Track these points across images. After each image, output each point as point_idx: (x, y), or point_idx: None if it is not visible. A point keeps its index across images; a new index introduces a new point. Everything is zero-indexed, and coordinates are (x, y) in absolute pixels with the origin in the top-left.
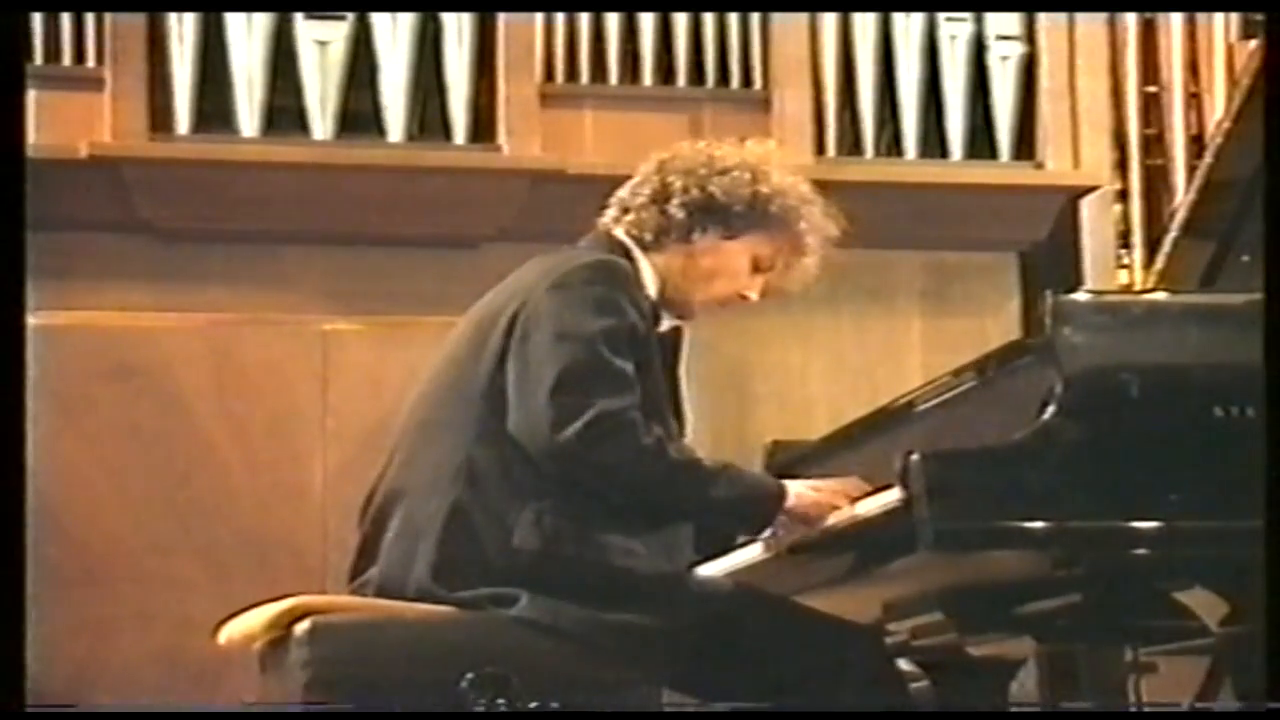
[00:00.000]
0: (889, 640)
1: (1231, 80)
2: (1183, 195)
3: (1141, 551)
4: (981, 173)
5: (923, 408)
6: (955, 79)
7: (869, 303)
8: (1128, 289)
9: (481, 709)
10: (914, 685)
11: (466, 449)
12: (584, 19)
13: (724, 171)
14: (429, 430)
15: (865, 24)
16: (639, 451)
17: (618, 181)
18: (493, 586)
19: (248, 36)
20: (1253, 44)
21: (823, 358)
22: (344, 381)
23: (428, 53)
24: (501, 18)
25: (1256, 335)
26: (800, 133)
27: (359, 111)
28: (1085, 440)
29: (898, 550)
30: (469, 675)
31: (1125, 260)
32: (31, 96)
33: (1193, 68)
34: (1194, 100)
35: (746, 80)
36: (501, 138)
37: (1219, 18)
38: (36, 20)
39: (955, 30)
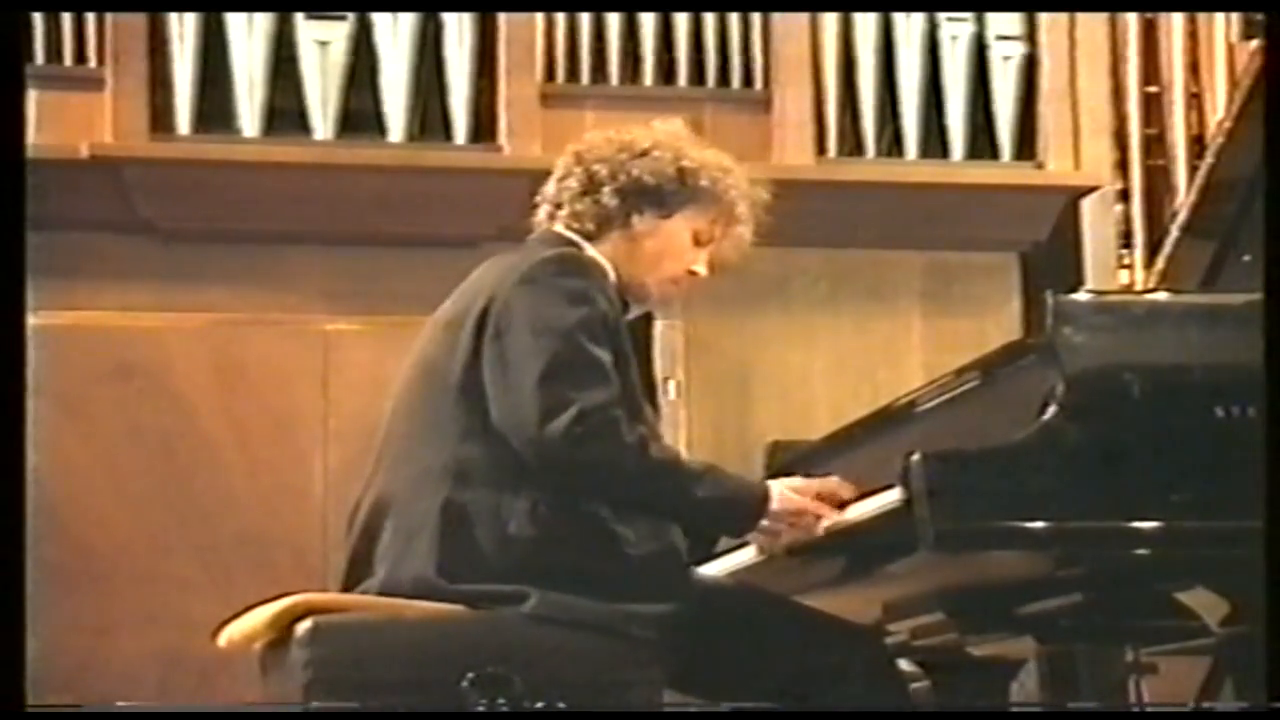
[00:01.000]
0: (890, 640)
1: (1232, 80)
2: (1184, 195)
3: (1142, 551)
4: (982, 173)
5: (923, 408)
6: (956, 79)
7: (870, 303)
8: (1129, 289)
9: (483, 709)
10: (914, 685)
11: (452, 449)
12: (585, 19)
13: (644, 153)
14: (411, 436)
15: (866, 24)
16: (622, 449)
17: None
18: (495, 580)
19: (248, 37)
20: (1254, 44)
21: (823, 358)
22: (345, 381)
23: (428, 53)
24: (502, 18)
25: (1257, 335)
26: (801, 133)
27: (360, 111)
28: (1086, 440)
29: (899, 550)
30: (470, 675)
31: (1126, 260)
32: (32, 96)
33: (1193, 68)
34: (1195, 100)
35: (747, 80)
36: (502, 138)
37: (1220, 18)
38: (37, 20)
39: (956, 30)
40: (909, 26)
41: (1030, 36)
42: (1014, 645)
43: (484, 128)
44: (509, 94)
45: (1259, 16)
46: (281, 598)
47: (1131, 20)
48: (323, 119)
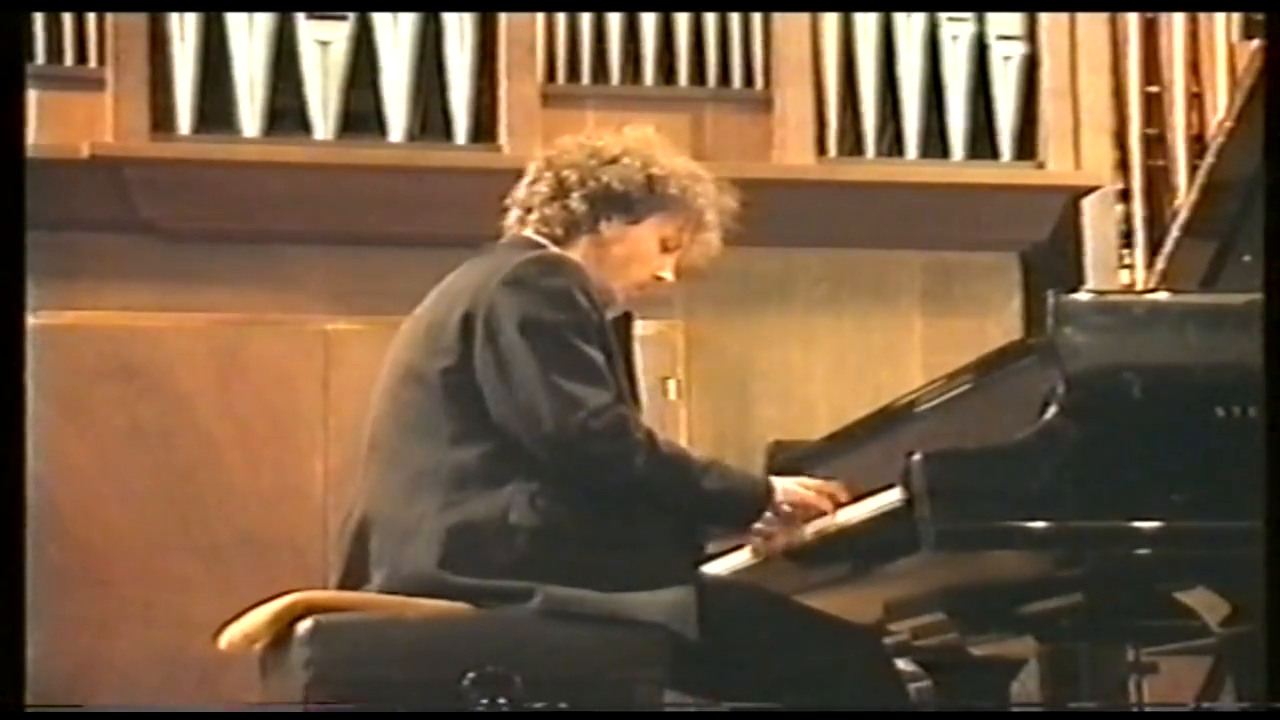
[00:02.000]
0: (890, 640)
1: (1233, 80)
2: (1184, 195)
3: (1143, 551)
4: (983, 173)
5: (924, 408)
6: (957, 79)
7: (870, 303)
8: (1129, 289)
9: (483, 708)
10: (915, 685)
11: (445, 451)
12: (585, 19)
13: (614, 160)
14: (399, 441)
15: (867, 24)
16: (634, 445)
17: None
18: (498, 574)
19: (249, 37)
20: (1254, 44)
21: (824, 358)
22: (345, 381)
23: (429, 53)
24: (503, 18)
25: (1258, 335)
26: (802, 132)
27: (360, 111)
28: (1087, 440)
29: (899, 550)
30: (471, 674)
31: (1127, 260)
32: (33, 96)
33: (1194, 67)
34: (1195, 100)
35: (748, 80)
36: (503, 138)
37: (1220, 18)
38: (38, 20)
39: (957, 30)
40: (910, 26)
41: (1031, 36)
42: (1015, 645)
43: (484, 128)
44: (510, 94)
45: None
46: (282, 596)
47: (1132, 20)
48: (323, 119)
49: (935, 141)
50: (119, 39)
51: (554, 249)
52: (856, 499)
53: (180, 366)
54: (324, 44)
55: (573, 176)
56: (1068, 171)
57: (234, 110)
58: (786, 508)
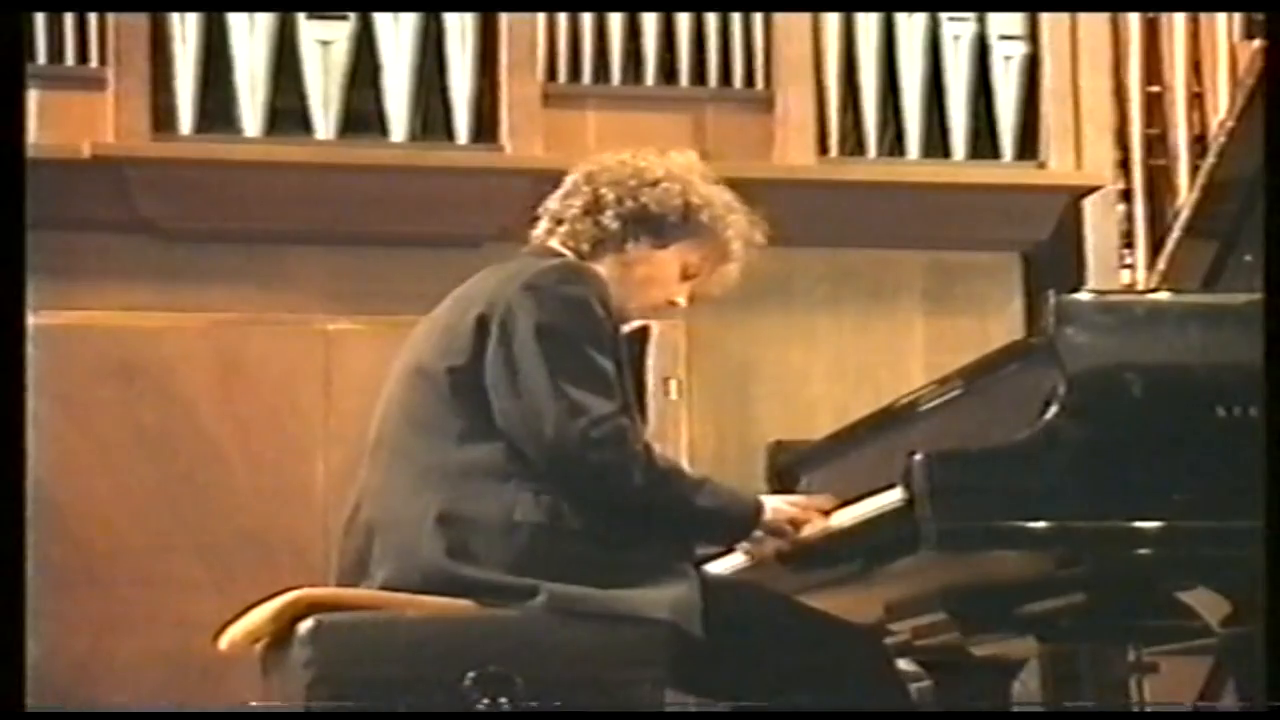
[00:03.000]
0: (891, 640)
1: (1234, 80)
2: (1186, 195)
3: (1144, 551)
4: (984, 172)
5: (925, 408)
6: (958, 79)
7: (871, 303)
8: (1130, 289)
9: (484, 708)
10: (916, 685)
11: (452, 449)
12: (587, 19)
13: (655, 183)
14: (405, 438)
15: (868, 24)
16: (632, 457)
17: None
18: (502, 569)
19: (250, 36)
20: (1255, 44)
21: (825, 358)
22: (346, 381)
23: (430, 52)
24: (504, 17)
25: (1259, 335)
26: (803, 132)
27: (361, 111)
28: (1088, 440)
29: (900, 550)
30: (471, 674)
31: (1128, 260)
32: (34, 96)
33: (1195, 67)
34: (1197, 100)
35: (749, 80)
36: (504, 137)
37: (1221, 18)
38: (39, 20)
39: (958, 30)
40: (911, 26)
41: (1032, 36)
42: (1015, 645)
43: (486, 127)
44: (511, 94)
45: (1260, 16)
46: (283, 594)
47: (1133, 20)
48: (324, 119)
49: (936, 141)
50: (120, 39)
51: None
52: (857, 499)
53: (180, 366)
54: (325, 44)
55: (610, 195)
56: (1069, 171)
57: (235, 110)
58: (775, 525)
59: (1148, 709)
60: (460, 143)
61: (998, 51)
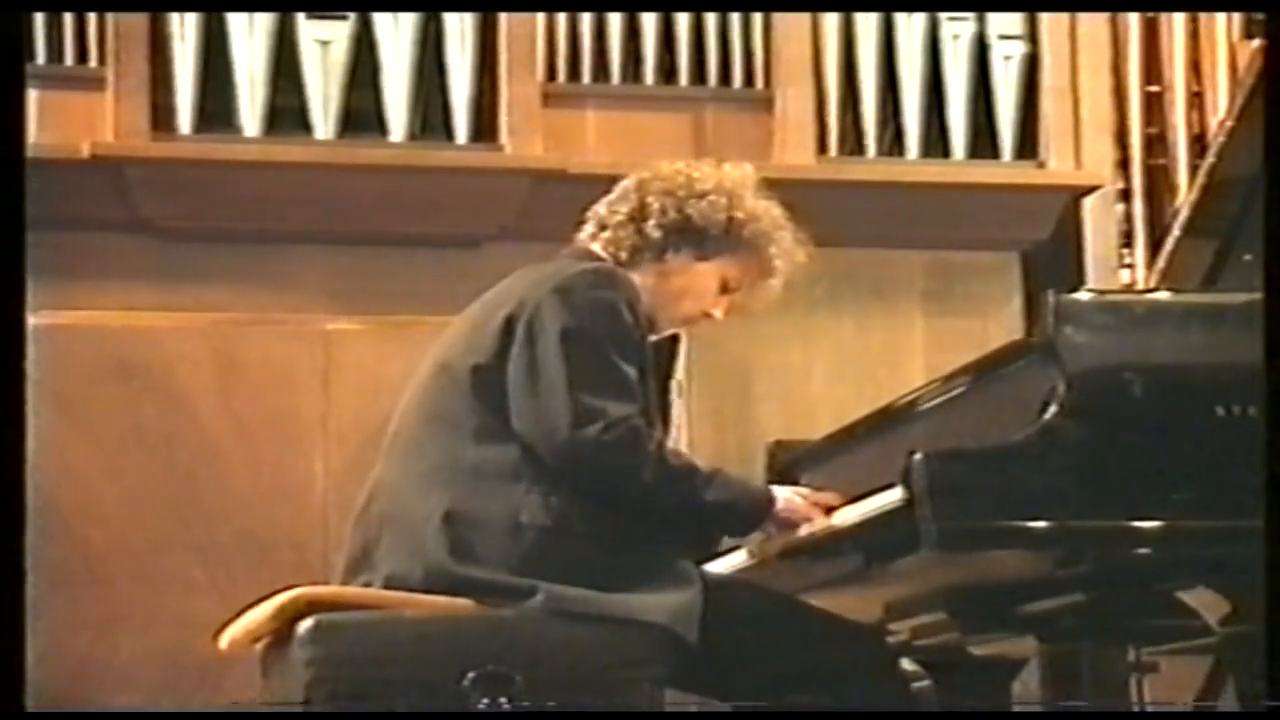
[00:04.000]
0: (891, 639)
1: (1234, 79)
2: (1185, 194)
3: (1144, 551)
4: (984, 172)
5: (925, 407)
6: (957, 78)
7: (871, 302)
8: (1130, 288)
9: (484, 708)
10: (916, 685)
11: (466, 446)
12: (586, 18)
13: (702, 195)
14: (423, 432)
15: (867, 24)
16: (644, 458)
17: (620, 182)
18: (506, 570)
19: (249, 36)
20: (1255, 43)
21: (825, 358)
22: (346, 381)
23: (430, 52)
24: (503, 17)
25: (1258, 335)
26: (802, 132)
27: (361, 111)
28: (1087, 440)
29: (900, 550)
30: (471, 674)
31: (1128, 260)
32: (34, 96)
33: (1195, 67)
34: (1196, 99)
35: (749, 80)
36: (503, 137)
37: (1221, 17)
38: (39, 20)
39: (957, 29)
40: (910, 26)
41: (1031, 36)
42: (1016, 644)
43: (485, 127)
44: (510, 93)
45: (1260, 15)
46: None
47: (1133, 19)
48: (324, 118)
49: (936, 141)
50: (119, 39)
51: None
52: (857, 498)
53: (180, 366)
54: (324, 43)
55: (656, 204)
56: (1068, 171)
57: (234, 110)
58: (785, 516)
59: (1148, 709)
60: (460, 143)
61: (997, 51)
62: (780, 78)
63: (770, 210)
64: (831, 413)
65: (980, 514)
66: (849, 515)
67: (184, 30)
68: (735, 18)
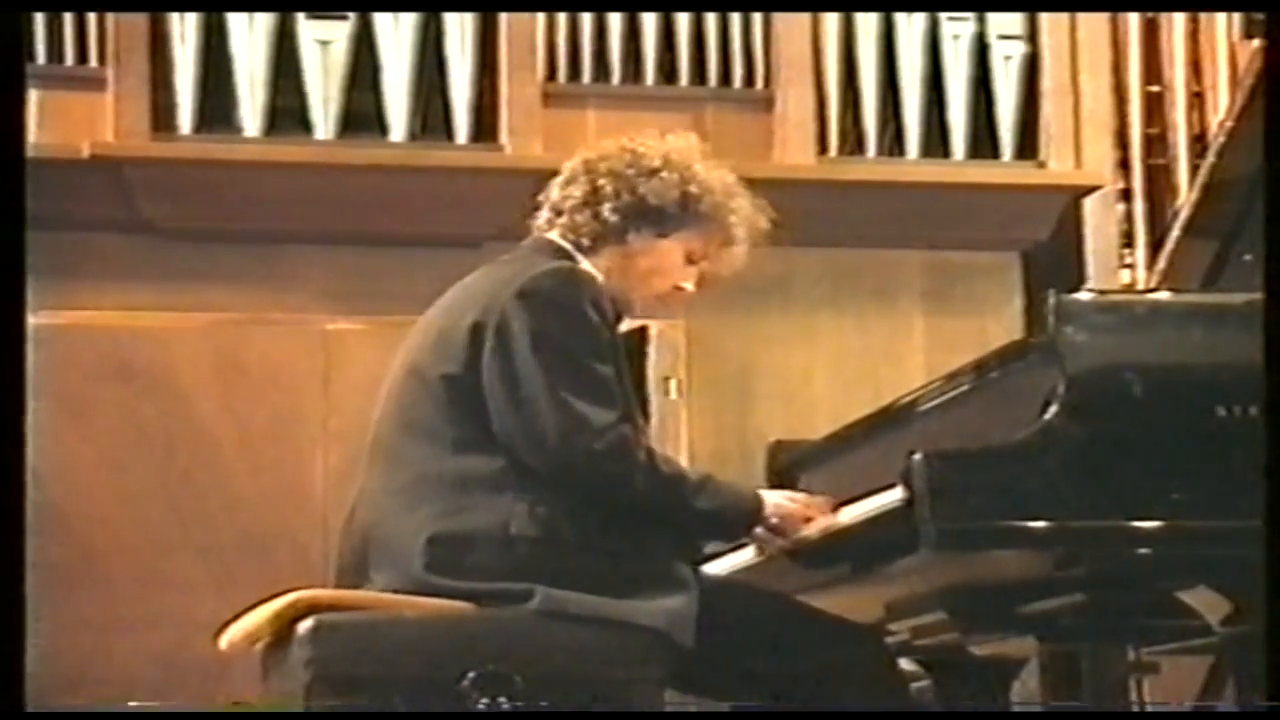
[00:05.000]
0: (891, 640)
1: (1234, 79)
2: (1185, 194)
3: (1144, 551)
4: (984, 172)
5: (925, 407)
6: (957, 78)
7: (871, 302)
8: (1130, 288)
9: (483, 708)
10: (916, 685)
11: (445, 457)
12: (586, 19)
13: (652, 173)
14: (402, 442)
15: (867, 23)
16: (635, 465)
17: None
18: (496, 579)
19: (250, 36)
20: (1255, 43)
21: (825, 358)
22: (346, 381)
23: (430, 52)
24: (503, 17)
25: (1258, 335)
26: (802, 132)
27: (361, 111)
28: (1088, 440)
29: (900, 550)
30: (471, 674)
31: (1128, 260)
32: (34, 96)
33: (1195, 67)
34: (1196, 99)
35: (749, 80)
36: (504, 137)
37: (1221, 17)
38: (39, 20)
39: (957, 30)
40: (910, 26)
41: (1032, 36)
42: (1016, 645)
43: (485, 127)
44: (510, 93)
45: (1260, 16)
46: (283, 595)
47: (1133, 20)
48: (324, 118)
49: (936, 141)
50: (119, 39)
51: (577, 256)
52: (857, 499)
53: (180, 366)
54: (324, 44)
55: (609, 186)
56: (1068, 171)
57: (234, 110)
58: (775, 521)
59: (1148, 709)
60: (460, 143)
61: (997, 51)
62: (780, 78)
63: (724, 179)
64: (831, 413)
65: (980, 514)
66: (849, 515)
67: (184, 30)
68: (735, 18)
